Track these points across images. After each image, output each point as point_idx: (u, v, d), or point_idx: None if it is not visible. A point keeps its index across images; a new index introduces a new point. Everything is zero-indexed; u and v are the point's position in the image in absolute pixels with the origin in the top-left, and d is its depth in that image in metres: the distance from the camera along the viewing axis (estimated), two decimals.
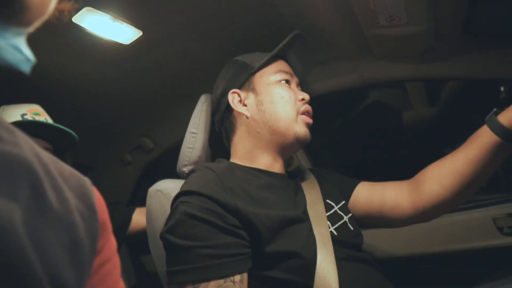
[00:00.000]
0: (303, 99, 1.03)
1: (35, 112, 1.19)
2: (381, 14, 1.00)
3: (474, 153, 0.88)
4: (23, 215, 0.37)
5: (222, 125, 1.11)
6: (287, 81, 1.05)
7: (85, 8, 0.96)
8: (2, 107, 1.19)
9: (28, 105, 1.21)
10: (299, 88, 1.10)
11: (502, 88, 0.90)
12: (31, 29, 0.38)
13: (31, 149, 0.43)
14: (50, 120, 1.20)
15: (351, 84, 1.36)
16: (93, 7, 0.97)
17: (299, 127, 1.00)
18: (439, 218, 1.30)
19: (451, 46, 1.14)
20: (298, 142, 1.01)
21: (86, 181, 0.51)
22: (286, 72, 1.06)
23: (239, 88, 1.06)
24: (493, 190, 1.38)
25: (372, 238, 1.40)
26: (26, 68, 0.37)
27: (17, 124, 1.08)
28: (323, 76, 1.38)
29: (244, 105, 1.04)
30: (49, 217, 0.40)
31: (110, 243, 0.51)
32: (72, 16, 0.98)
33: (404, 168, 1.14)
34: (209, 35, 1.20)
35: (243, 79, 1.06)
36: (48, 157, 0.46)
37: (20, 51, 0.36)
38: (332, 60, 1.34)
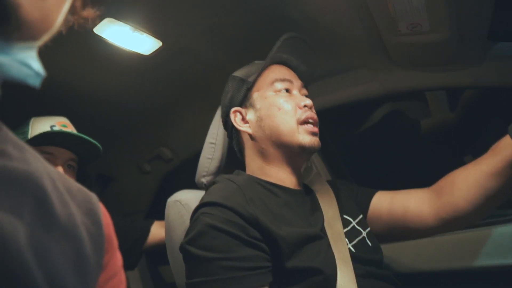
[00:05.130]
0: (305, 106, 0.98)
1: (63, 124, 1.22)
2: (401, 22, 0.98)
3: (498, 166, 0.85)
4: (28, 230, 0.37)
5: (233, 142, 1.09)
6: (287, 90, 1.01)
7: (106, 19, 0.98)
8: (33, 118, 1.22)
9: (57, 118, 1.24)
10: (304, 91, 1.04)
11: None
12: (39, 42, 0.38)
13: (40, 165, 0.44)
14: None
15: (372, 94, 1.33)
16: (114, 17, 0.98)
17: (303, 137, 0.95)
18: (466, 232, 1.26)
19: (476, 53, 1.10)
20: (305, 152, 0.97)
21: (93, 197, 0.51)
22: (283, 80, 1.01)
23: (240, 106, 1.03)
24: None
25: (393, 252, 1.36)
26: (35, 82, 0.37)
27: (45, 134, 1.10)
28: (342, 85, 1.36)
29: (246, 122, 1.02)
30: (55, 232, 0.40)
31: (115, 259, 0.51)
32: (95, 24, 0.99)
33: (423, 175, 1.11)
34: (228, 43, 1.20)
35: (242, 95, 1.03)
36: (56, 173, 0.46)
37: (28, 66, 0.36)
38: (351, 69, 1.32)
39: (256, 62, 1.08)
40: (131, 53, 1.14)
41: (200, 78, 1.36)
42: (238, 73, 1.07)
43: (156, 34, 1.08)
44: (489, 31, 1.04)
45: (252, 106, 1.01)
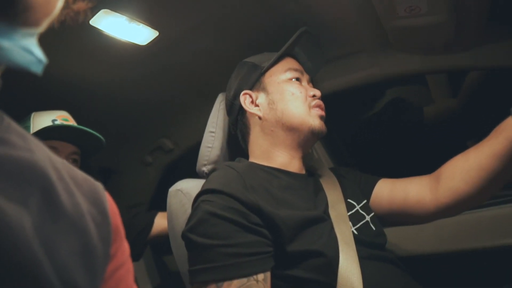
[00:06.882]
0: (314, 95, 1.03)
1: (64, 118, 1.22)
2: (400, 5, 0.97)
3: (499, 147, 0.85)
4: (34, 220, 0.37)
5: (237, 127, 1.11)
6: (298, 79, 1.06)
7: (102, 10, 0.97)
8: (33, 113, 1.22)
9: (58, 111, 1.25)
10: (310, 85, 1.10)
11: None
12: (40, 29, 0.37)
13: (44, 154, 0.44)
14: None
15: (372, 79, 1.33)
16: (109, 9, 0.98)
17: (313, 120, 1.00)
18: (467, 214, 1.27)
19: (475, 35, 1.10)
20: (314, 135, 1.01)
21: (99, 186, 0.51)
22: (296, 70, 1.07)
23: (250, 89, 1.07)
24: None
25: (397, 236, 1.37)
26: (37, 69, 0.36)
27: (47, 128, 1.10)
28: (342, 71, 1.35)
29: (256, 105, 1.05)
30: (61, 222, 0.40)
31: (123, 248, 0.51)
32: (88, 17, 0.98)
33: (426, 163, 1.11)
34: (225, 33, 1.19)
35: (253, 79, 1.07)
36: (61, 163, 0.46)
37: (31, 52, 0.36)
38: (351, 55, 1.32)
39: (266, 53, 1.12)
40: (128, 44, 1.13)
41: (199, 68, 1.36)
42: (251, 59, 1.11)
43: (152, 24, 1.08)
44: (488, 12, 1.03)
45: (263, 90, 1.05)
